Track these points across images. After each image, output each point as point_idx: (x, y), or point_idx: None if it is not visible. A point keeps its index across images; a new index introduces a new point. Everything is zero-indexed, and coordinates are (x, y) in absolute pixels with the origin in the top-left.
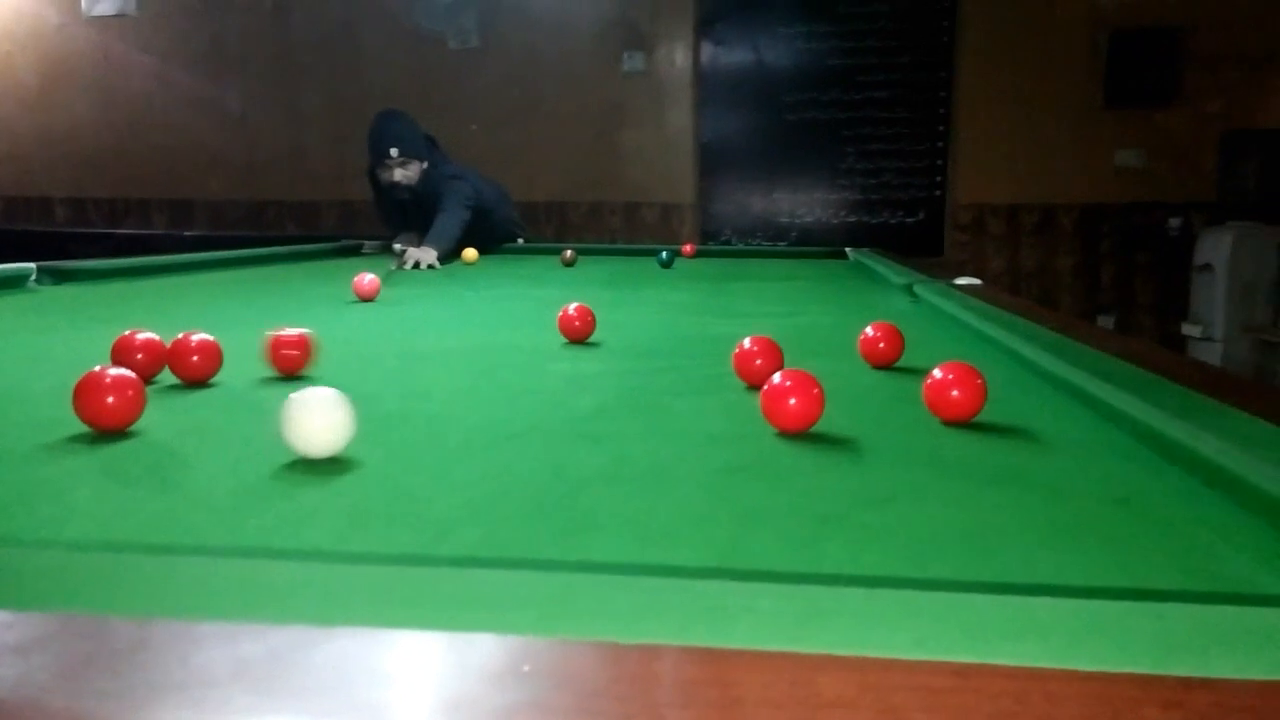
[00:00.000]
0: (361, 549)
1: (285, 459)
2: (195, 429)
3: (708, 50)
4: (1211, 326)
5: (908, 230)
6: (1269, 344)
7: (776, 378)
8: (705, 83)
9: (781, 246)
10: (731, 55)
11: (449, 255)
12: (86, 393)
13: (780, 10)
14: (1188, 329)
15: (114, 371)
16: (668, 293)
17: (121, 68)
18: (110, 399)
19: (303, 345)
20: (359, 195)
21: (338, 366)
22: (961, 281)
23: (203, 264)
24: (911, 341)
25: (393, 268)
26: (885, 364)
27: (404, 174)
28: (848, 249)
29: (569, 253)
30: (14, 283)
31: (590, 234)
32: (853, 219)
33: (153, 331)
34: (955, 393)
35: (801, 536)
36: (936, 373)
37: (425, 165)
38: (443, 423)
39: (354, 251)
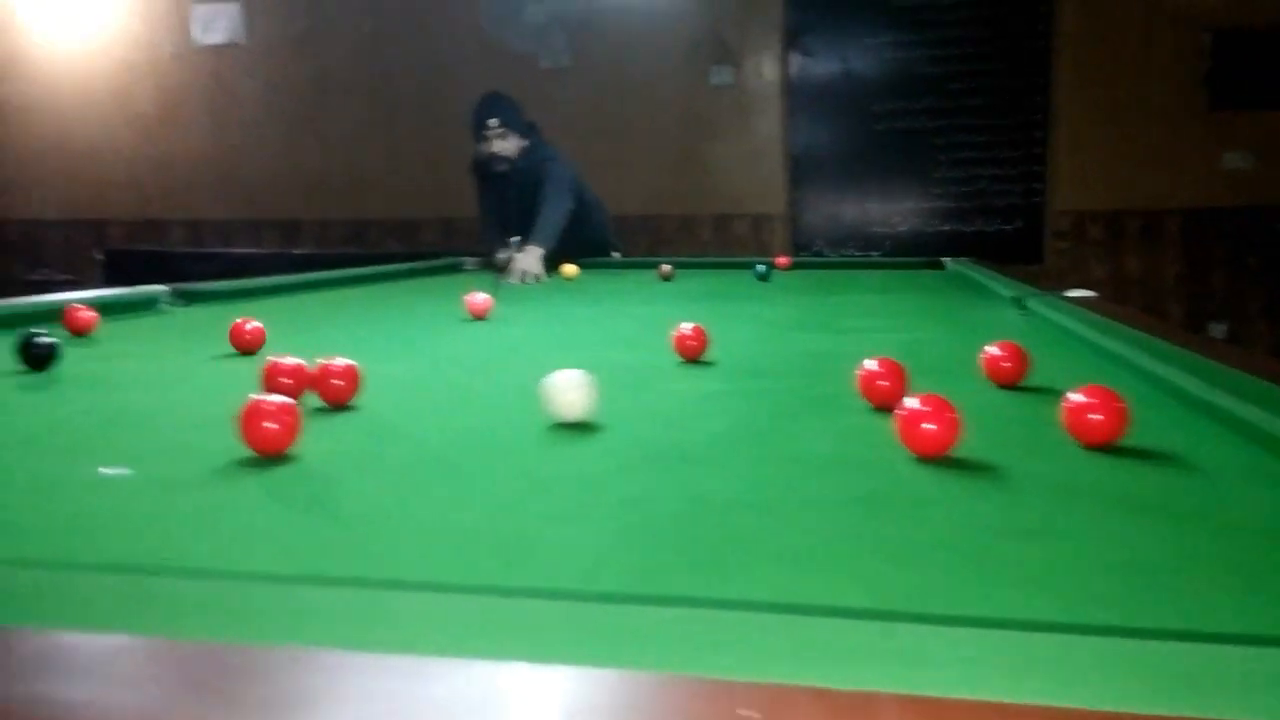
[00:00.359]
0: (521, 583)
1: (433, 484)
2: (346, 453)
3: (796, 61)
4: None
5: (1005, 238)
6: None
7: (912, 401)
8: (794, 94)
9: (875, 256)
10: (820, 66)
11: (553, 247)
12: (252, 419)
13: (869, 20)
14: None
15: (275, 399)
16: (769, 307)
17: (232, 94)
18: (274, 425)
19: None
20: (455, 212)
21: (463, 390)
22: (1074, 294)
23: (319, 283)
24: (1030, 358)
25: (500, 281)
26: (1010, 383)
27: (502, 145)
28: (945, 259)
29: (666, 267)
30: (147, 304)
31: (682, 247)
32: (947, 228)
33: (297, 357)
34: (1097, 416)
35: (960, 574)
36: (1076, 395)
37: (525, 144)
38: (577, 447)
39: (456, 269)
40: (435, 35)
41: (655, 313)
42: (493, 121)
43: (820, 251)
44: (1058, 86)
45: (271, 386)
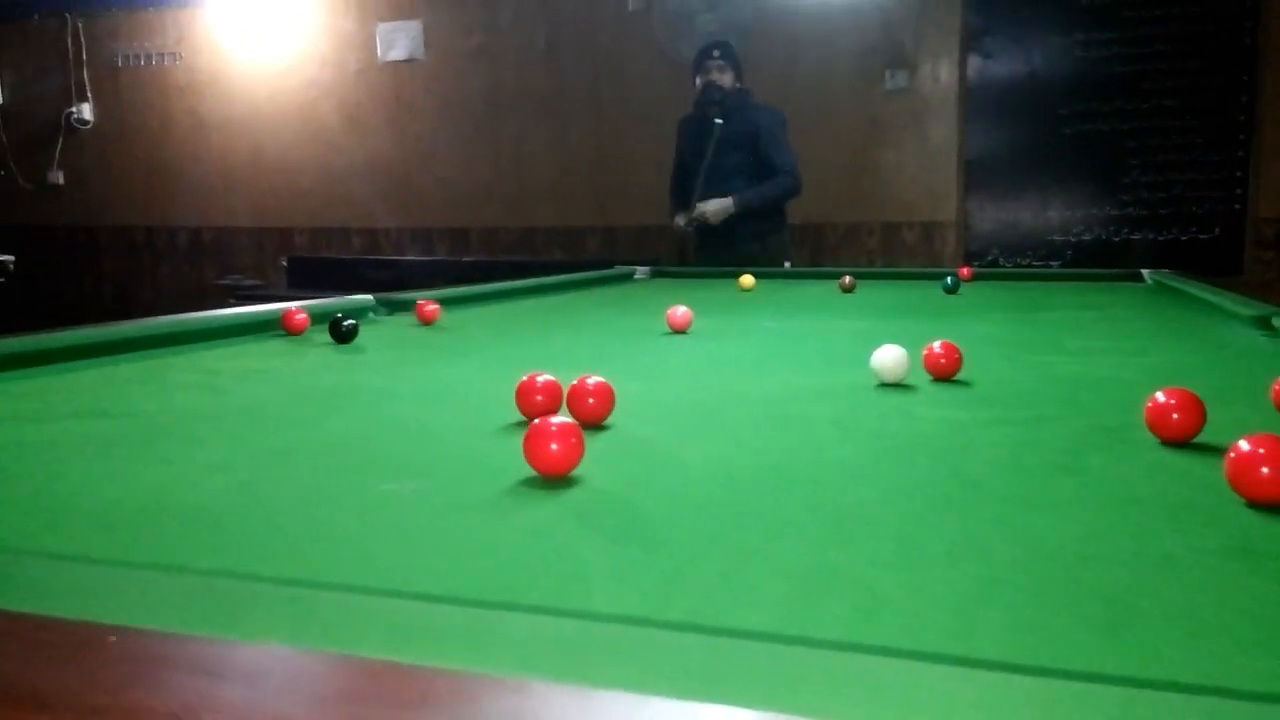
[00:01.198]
0: (817, 632)
1: (731, 514)
2: (630, 478)
3: (975, 64)
4: None
5: (1200, 247)
6: None
7: (1245, 445)
8: (972, 97)
9: (1055, 267)
10: (1001, 67)
11: (750, 208)
12: (539, 440)
13: (1055, 19)
14: None
15: (558, 420)
16: (976, 323)
17: (410, 108)
18: (557, 446)
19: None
20: (618, 222)
21: (710, 410)
22: None
23: (506, 293)
24: None
25: (680, 223)
26: None
27: (721, 78)
28: (1144, 270)
29: (848, 278)
30: (360, 313)
31: (847, 256)
32: (1136, 236)
33: (551, 373)
34: None
35: None
36: None
37: (741, 86)
38: (850, 476)
39: (628, 278)
40: (606, 47)
41: (853, 326)
42: (717, 52)
43: (996, 261)
44: (1265, 84)
45: (525, 404)
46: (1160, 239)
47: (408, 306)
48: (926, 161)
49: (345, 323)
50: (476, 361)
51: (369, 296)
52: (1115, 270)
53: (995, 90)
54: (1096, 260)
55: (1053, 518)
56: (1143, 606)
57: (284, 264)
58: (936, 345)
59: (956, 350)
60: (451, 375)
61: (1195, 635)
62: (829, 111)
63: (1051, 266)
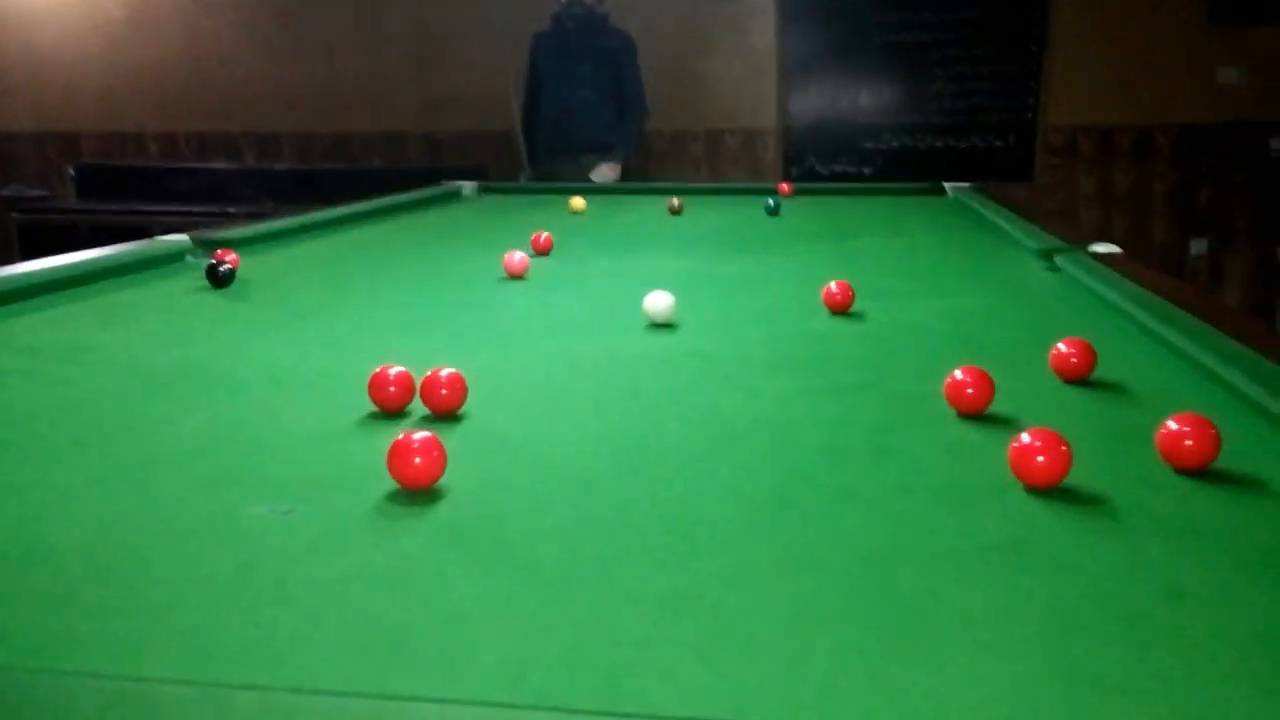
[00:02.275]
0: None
1: (595, 521)
2: (494, 483)
3: None
4: None
5: (997, 154)
6: None
7: (1026, 437)
8: (789, 5)
9: (868, 176)
10: None
11: (631, 157)
12: (402, 455)
13: None
14: None
15: (421, 434)
16: (789, 257)
17: (204, 2)
18: (420, 460)
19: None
20: (442, 127)
21: (526, 398)
22: (1099, 249)
23: (333, 222)
24: (1073, 329)
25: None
26: (1077, 380)
27: None
28: (946, 185)
29: (675, 200)
30: (168, 259)
31: (673, 163)
32: (940, 143)
33: (402, 365)
34: (1190, 442)
35: (1149, 673)
36: (1172, 424)
37: (603, 7)
38: (729, 453)
39: (455, 196)
40: None
41: (682, 268)
42: None
43: (812, 168)
44: (1056, 1)
45: (379, 397)
46: (961, 146)
47: (228, 247)
48: (748, 70)
49: (221, 268)
50: (313, 330)
51: (184, 238)
52: (920, 185)
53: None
54: (904, 166)
55: (867, 511)
56: (930, 608)
57: (71, 173)
58: (833, 285)
59: (850, 290)
60: (291, 351)
61: (980, 644)
62: (653, 20)
63: (864, 173)
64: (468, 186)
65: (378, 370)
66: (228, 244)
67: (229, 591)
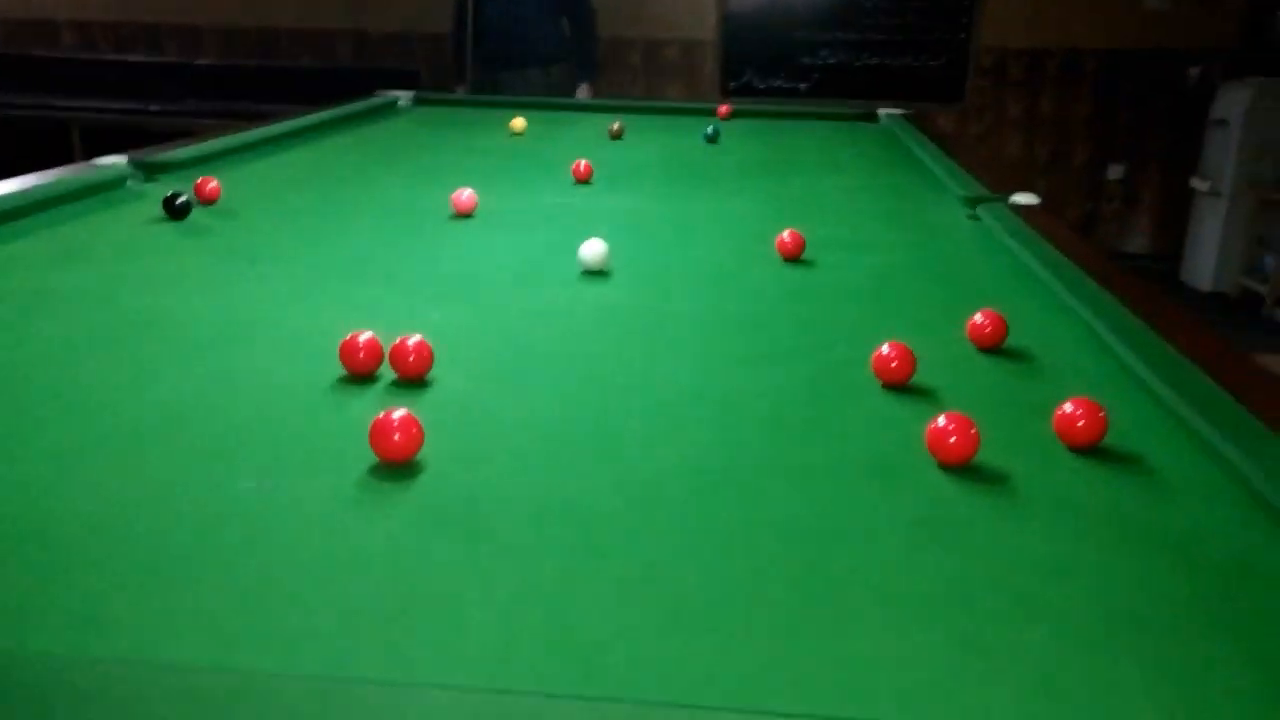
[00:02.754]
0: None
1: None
2: (468, 454)
3: None
4: (1220, 182)
5: (929, 74)
6: (1272, 203)
7: (941, 420)
8: None
9: (803, 93)
10: None
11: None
12: (383, 433)
13: None
14: (1196, 183)
15: (398, 414)
16: (731, 200)
17: None
18: (400, 438)
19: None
20: (373, 26)
21: (486, 358)
22: (1020, 200)
23: (271, 140)
24: (989, 293)
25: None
26: (990, 349)
27: None
28: (879, 111)
29: (617, 124)
30: (110, 185)
31: (612, 74)
32: (874, 61)
33: (371, 331)
34: (1081, 424)
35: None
36: (1067, 406)
37: None
38: (631, 460)
39: (391, 108)
40: None
41: (626, 206)
42: None
43: (750, 83)
44: None
45: (350, 364)
46: (894, 65)
47: (169, 170)
48: None
49: (179, 200)
50: (274, 276)
51: (121, 160)
52: (855, 111)
53: None
54: (839, 83)
55: (802, 488)
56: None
57: None
58: (786, 235)
59: (801, 240)
60: (254, 301)
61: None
62: None
63: (800, 89)
64: (404, 97)
65: (348, 338)
66: (165, 166)
67: (236, 573)
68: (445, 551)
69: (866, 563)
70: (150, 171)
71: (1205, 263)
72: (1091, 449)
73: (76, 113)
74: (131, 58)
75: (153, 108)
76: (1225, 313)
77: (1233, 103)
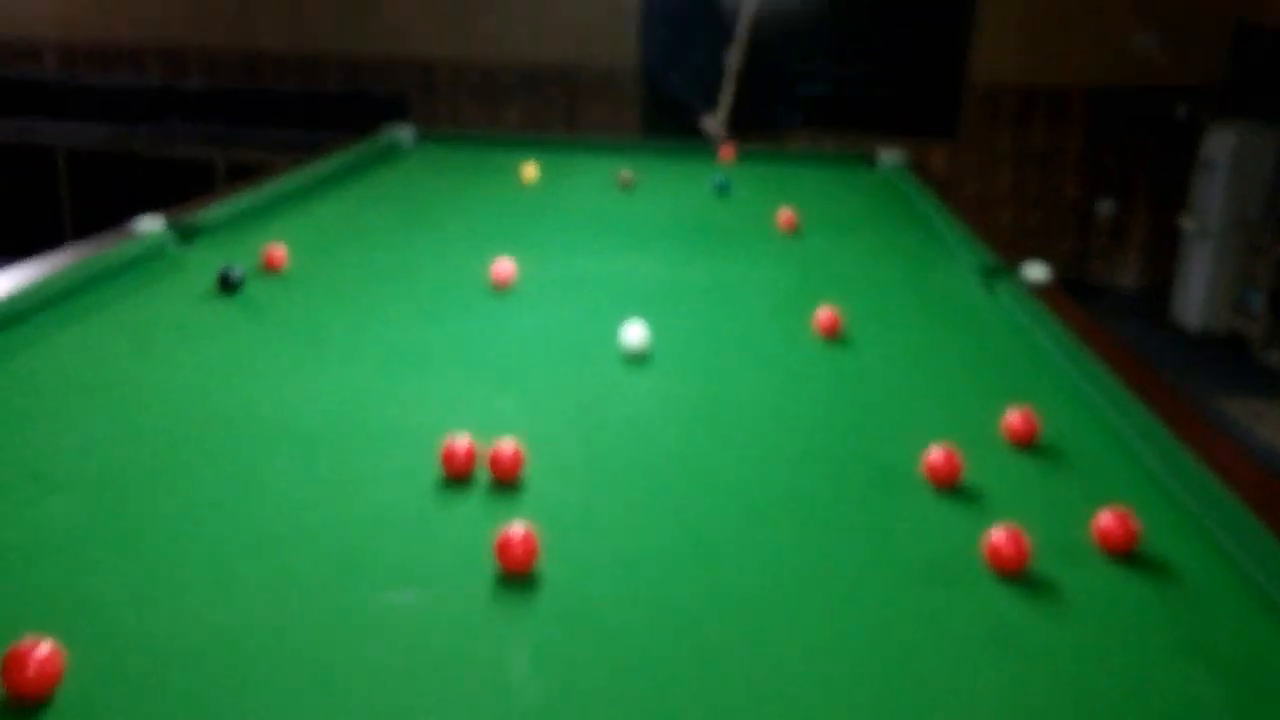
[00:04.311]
0: None
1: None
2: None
3: None
4: (1207, 222)
5: (921, 109)
6: (1259, 245)
7: (1000, 533)
8: None
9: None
10: None
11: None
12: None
13: None
14: (1185, 222)
15: (519, 527)
16: (751, 264)
17: None
18: (521, 549)
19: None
20: (361, 48)
21: (574, 458)
22: (1033, 274)
23: (288, 194)
24: (1018, 382)
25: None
26: (1024, 446)
27: None
28: (880, 151)
29: (626, 174)
30: (152, 256)
31: (604, 101)
32: (868, 94)
33: (467, 435)
34: (1117, 535)
35: None
36: (1104, 517)
37: None
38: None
39: (396, 149)
40: None
41: (656, 274)
42: None
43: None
44: None
45: (452, 469)
46: (889, 98)
47: (204, 233)
48: None
49: (232, 276)
50: (340, 364)
51: (157, 224)
52: (853, 155)
53: None
54: (832, 115)
55: (877, 598)
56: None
57: None
58: (823, 314)
59: (838, 321)
60: (327, 386)
61: None
62: None
63: (795, 121)
64: (405, 135)
65: (447, 444)
66: (200, 230)
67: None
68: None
69: (939, 668)
70: (186, 234)
71: (1194, 301)
72: (1127, 555)
73: (60, 136)
74: (116, 81)
75: (138, 131)
76: (1214, 353)
77: (1221, 144)
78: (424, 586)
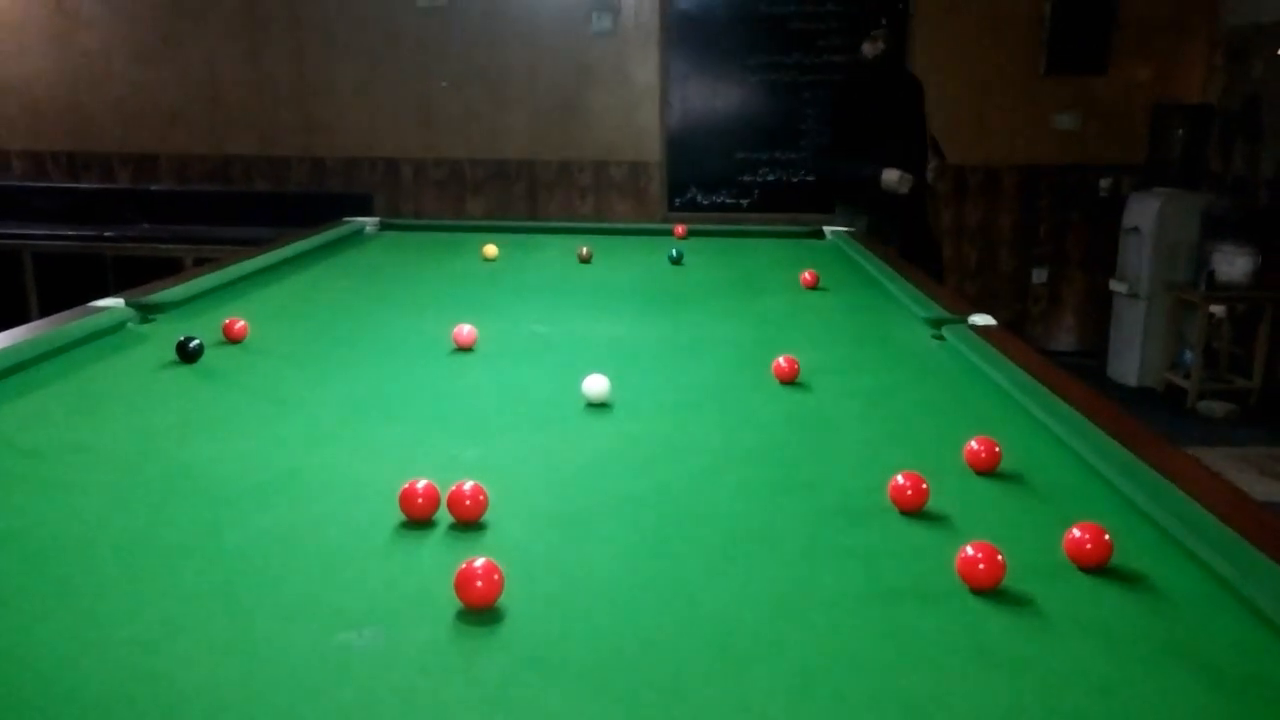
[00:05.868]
0: None
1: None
2: (557, 613)
3: (674, 11)
4: (1137, 284)
5: (863, 187)
6: (1187, 303)
7: (971, 549)
8: (671, 43)
9: (746, 208)
10: (697, 16)
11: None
12: (466, 583)
13: None
14: (1115, 285)
15: (481, 561)
16: (708, 322)
17: (74, 18)
18: (482, 584)
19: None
20: (327, 153)
21: (534, 504)
22: (978, 322)
23: (248, 276)
24: (974, 416)
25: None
26: (986, 473)
27: (890, 45)
28: (825, 228)
29: (585, 249)
30: (111, 330)
31: (560, 192)
32: (812, 178)
33: (428, 478)
34: (1090, 547)
35: None
36: (1075, 531)
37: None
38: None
39: (359, 234)
40: None
41: (610, 333)
42: (884, 20)
43: (695, 199)
44: (915, 49)
45: (410, 510)
46: (832, 180)
47: (164, 310)
48: (632, 102)
49: (192, 344)
50: (300, 421)
51: (118, 302)
52: (801, 228)
53: (693, 38)
54: (778, 199)
55: (850, 619)
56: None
57: None
58: (783, 360)
59: (797, 365)
60: (286, 442)
61: None
62: (540, 50)
63: (742, 204)
64: (370, 224)
65: (407, 485)
66: (161, 306)
67: None
68: (546, 694)
69: (928, 688)
70: (147, 312)
71: (1130, 360)
72: (1100, 569)
73: (27, 240)
74: (84, 185)
75: (107, 234)
76: (1153, 407)
77: (1143, 211)
78: (382, 627)
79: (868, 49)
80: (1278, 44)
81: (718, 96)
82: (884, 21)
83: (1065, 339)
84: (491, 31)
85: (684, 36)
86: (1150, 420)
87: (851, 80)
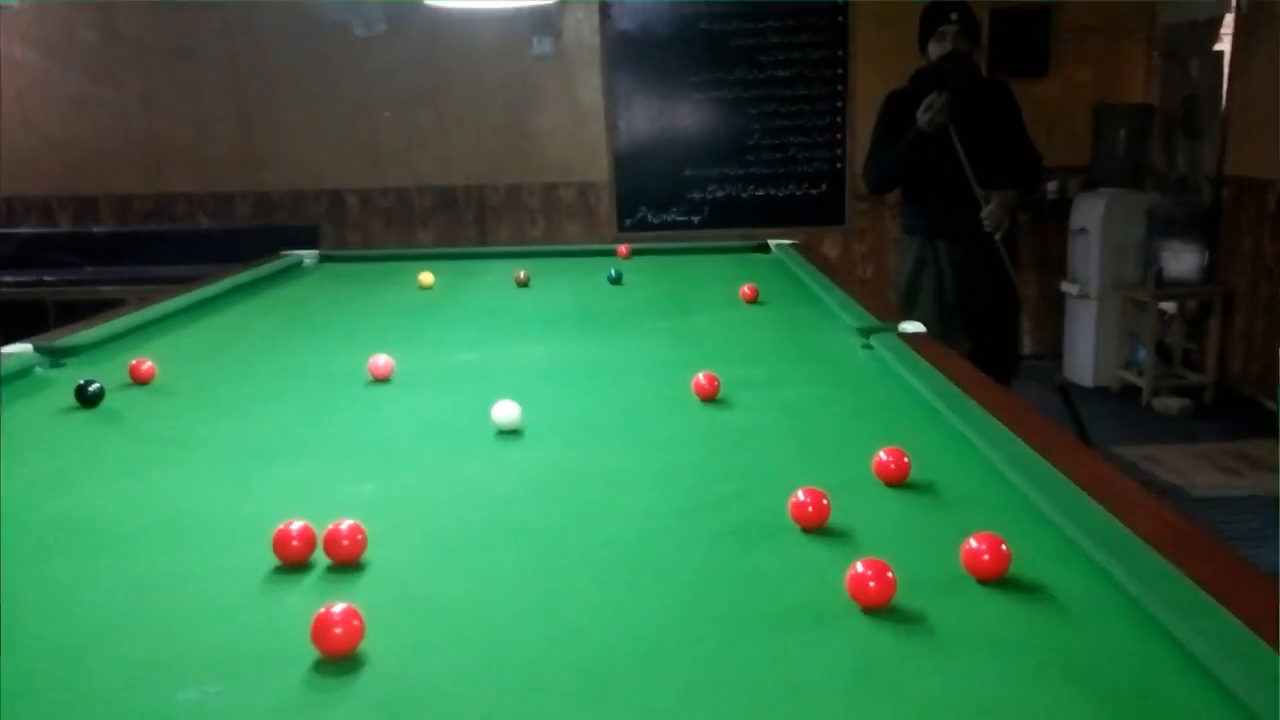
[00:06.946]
0: None
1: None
2: (420, 648)
3: (615, 32)
4: (1088, 285)
5: (812, 201)
6: (1138, 301)
7: (860, 567)
8: (614, 63)
9: (697, 225)
10: (638, 36)
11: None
12: (323, 628)
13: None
14: (1066, 287)
15: (338, 609)
16: (637, 341)
17: (7, 61)
18: (342, 631)
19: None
20: (272, 187)
21: (420, 537)
22: (908, 329)
23: (176, 313)
24: (891, 426)
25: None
26: (895, 484)
27: (962, 43)
28: (770, 242)
29: (522, 273)
30: (16, 376)
31: (510, 215)
32: (760, 193)
33: (319, 517)
34: (986, 558)
35: None
36: (972, 542)
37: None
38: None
39: (297, 267)
40: None
41: (540, 357)
42: (954, 15)
43: (645, 218)
44: (855, 57)
45: (283, 554)
46: (779, 195)
47: (76, 353)
48: (578, 124)
49: (91, 388)
50: (194, 462)
51: (26, 348)
52: (746, 244)
53: (636, 57)
54: (728, 215)
55: (744, 643)
56: None
57: None
58: (702, 378)
59: (717, 382)
60: (176, 486)
61: None
62: (484, 75)
63: (693, 222)
64: (308, 257)
65: (280, 528)
66: (72, 350)
67: None
68: None
69: (811, 715)
70: (57, 356)
71: (1084, 360)
72: (998, 581)
73: None
74: (23, 229)
75: (47, 277)
76: (1107, 405)
77: (1089, 212)
78: (234, 678)
79: (934, 49)
80: (1213, 42)
81: (664, 115)
82: (954, 17)
83: (1022, 342)
84: (433, 58)
85: (627, 56)
86: (1107, 419)
87: (912, 88)
